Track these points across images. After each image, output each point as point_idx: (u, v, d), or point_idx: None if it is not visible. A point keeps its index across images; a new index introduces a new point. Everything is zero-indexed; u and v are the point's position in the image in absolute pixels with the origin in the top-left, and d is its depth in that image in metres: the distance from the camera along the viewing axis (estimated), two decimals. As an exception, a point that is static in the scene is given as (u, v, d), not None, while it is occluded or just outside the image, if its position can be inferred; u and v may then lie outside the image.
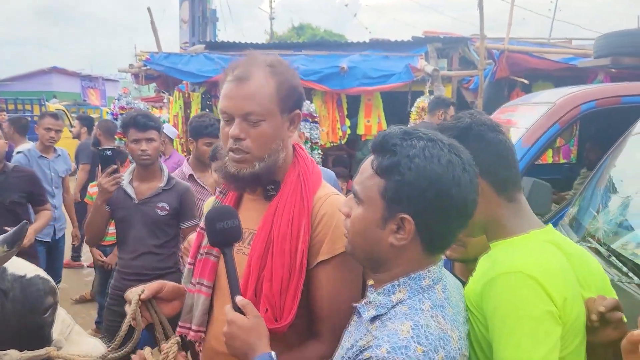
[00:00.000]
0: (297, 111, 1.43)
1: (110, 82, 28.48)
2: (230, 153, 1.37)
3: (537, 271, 1.12)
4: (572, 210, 2.80)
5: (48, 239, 4.54)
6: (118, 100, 7.20)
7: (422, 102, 6.36)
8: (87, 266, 6.39)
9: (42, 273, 1.38)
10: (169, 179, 2.99)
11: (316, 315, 1.37)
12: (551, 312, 1.10)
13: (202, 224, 1.52)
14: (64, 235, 4.88)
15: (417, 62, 6.86)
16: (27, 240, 3.15)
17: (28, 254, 4.10)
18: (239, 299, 1.22)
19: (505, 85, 6.93)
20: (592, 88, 3.72)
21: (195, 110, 7.31)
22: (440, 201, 1.01)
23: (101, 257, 4.22)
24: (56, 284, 4.88)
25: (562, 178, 4.66)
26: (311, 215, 1.38)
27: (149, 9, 7.65)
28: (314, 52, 7.74)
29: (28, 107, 15.49)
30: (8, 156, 5.40)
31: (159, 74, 7.54)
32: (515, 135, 3.56)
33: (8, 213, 3.49)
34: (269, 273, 1.34)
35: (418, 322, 0.99)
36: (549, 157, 6.66)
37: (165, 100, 10.52)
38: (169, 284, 1.49)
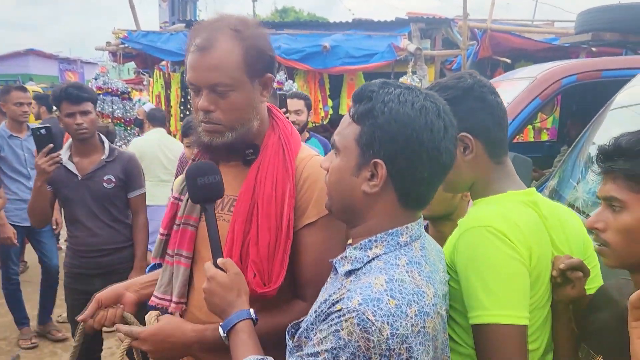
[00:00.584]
0: (269, 75, 1.36)
1: (89, 64, 27.90)
2: (202, 124, 1.33)
3: (503, 224, 1.13)
4: (552, 183, 2.80)
5: (27, 224, 4.03)
6: (95, 79, 7.05)
7: (405, 80, 6.34)
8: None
9: None
10: (111, 150, 2.88)
11: (302, 278, 1.35)
12: (515, 258, 1.12)
13: (175, 193, 1.50)
14: None
15: (400, 42, 6.83)
16: None
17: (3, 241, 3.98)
18: (220, 260, 1.20)
19: (488, 65, 6.95)
20: (573, 62, 3.72)
21: (175, 90, 7.20)
22: (411, 145, 0.99)
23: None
24: (52, 266, 4.45)
25: (543, 156, 4.68)
26: (295, 177, 1.35)
27: (126, -14, 7.45)
28: (297, 31, 7.64)
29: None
30: None
31: (138, 53, 7.38)
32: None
33: None
34: (254, 237, 1.30)
35: (393, 277, 0.97)
36: (530, 136, 6.76)
37: (145, 82, 10.35)
38: (117, 295, 1.51)
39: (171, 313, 1.44)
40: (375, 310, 0.90)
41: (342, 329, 0.91)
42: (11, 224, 4.08)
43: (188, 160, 1.61)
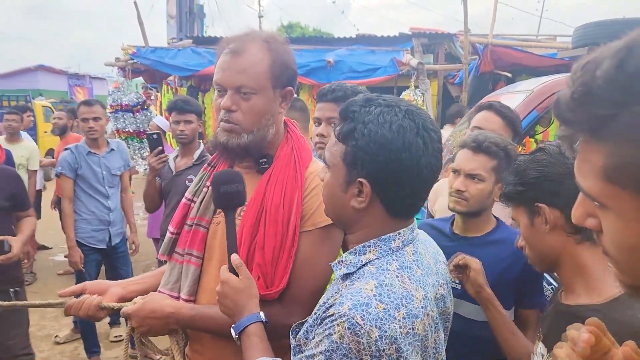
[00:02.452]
0: (290, 88, 1.45)
1: (97, 80, 28.31)
2: (222, 123, 1.41)
3: None
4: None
5: (102, 246, 3.96)
6: (110, 95, 7.22)
7: (408, 95, 6.44)
8: None
9: None
10: (200, 155, 3.40)
11: (293, 280, 1.39)
12: None
13: (188, 194, 1.57)
14: (124, 240, 4.17)
15: (403, 57, 6.93)
16: (16, 252, 2.75)
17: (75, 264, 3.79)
18: (234, 257, 1.27)
19: (489, 79, 7.04)
20: (567, 76, 3.79)
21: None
22: (391, 165, 1.04)
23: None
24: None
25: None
26: (303, 188, 1.42)
27: (135, 3, 7.65)
28: (301, 46, 7.79)
29: (14, 103, 15.36)
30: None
31: (146, 68, 7.53)
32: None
33: None
34: (260, 242, 1.37)
35: (382, 282, 1.02)
36: (532, 148, 6.79)
37: (152, 97, 10.52)
38: (103, 287, 1.60)
39: None
40: (364, 315, 0.96)
41: (335, 333, 0.97)
42: (87, 246, 3.91)
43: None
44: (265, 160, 1.47)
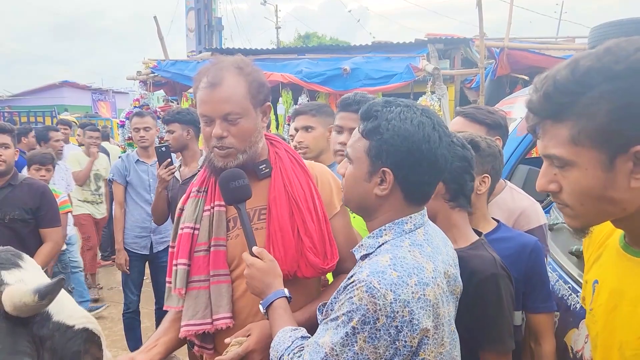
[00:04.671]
0: (268, 103, 1.59)
1: (120, 94, 28.89)
2: (215, 149, 1.52)
3: None
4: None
5: (145, 252, 4.09)
6: (135, 108, 7.42)
7: (425, 100, 6.46)
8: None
9: (94, 325, 1.26)
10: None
11: (340, 255, 1.56)
12: None
13: (188, 223, 1.60)
14: (167, 249, 4.29)
15: (419, 63, 6.96)
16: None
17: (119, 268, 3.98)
18: (255, 248, 1.42)
19: (506, 82, 7.02)
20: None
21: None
22: (413, 155, 1.19)
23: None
24: (160, 305, 4.18)
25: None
26: (313, 178, 1.61)
27: (155, 18, 7.84)
28: (318, 55, 7.88)
29: (40, 119, 15.81)
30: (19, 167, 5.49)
31: (167, 81, 7.72)
32: (512, 125, 3.64)
33: (9, 231, 3.02)
34: (302, 228, 1.52)
35: (396, 255, 1.16)
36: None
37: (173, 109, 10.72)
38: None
39: (217, 330, 1.52)
40: (380, 280, 1.10)
41: (355, 296, 1.11)
42: (131, 252, 4.06)
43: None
44: (264, 165, 1.59)
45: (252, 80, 1.53)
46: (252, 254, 1.42)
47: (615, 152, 0.89)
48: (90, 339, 1.22)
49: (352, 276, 1.18)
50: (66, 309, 1.18)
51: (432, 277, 1.16)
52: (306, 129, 2.69)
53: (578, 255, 1.97)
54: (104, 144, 7.68)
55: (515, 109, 4.10)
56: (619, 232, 1.10)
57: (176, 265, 1.58)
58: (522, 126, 3.45)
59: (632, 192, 0.91)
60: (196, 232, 1.59)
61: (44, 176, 4.00)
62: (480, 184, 1.72)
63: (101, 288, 6.04)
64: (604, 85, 0.88)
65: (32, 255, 2.84)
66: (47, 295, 1.01)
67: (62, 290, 1.19)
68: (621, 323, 1.04)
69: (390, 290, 1.09)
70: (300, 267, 1.52)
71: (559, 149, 0.94)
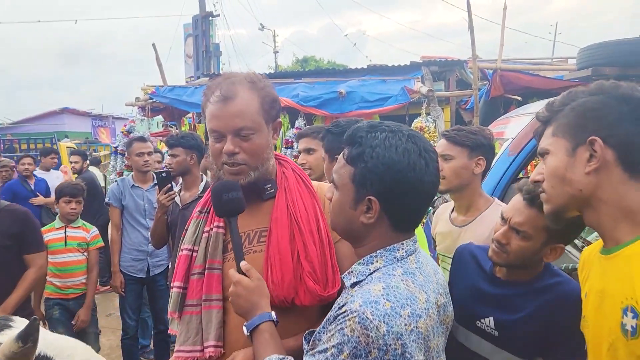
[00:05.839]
0: (279, 119, 1.56)
1: (120, 120, 29.08)
2: (226, 166, 1.46)
3: None
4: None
5: (141, 275, 4.09)
6: (129, 132, 7.48)
7: (420, 122, 6.53)
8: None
9: (84, 355, 1.24)
10: (205, 187, 3.43)
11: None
12: None
13: (187, 245, 1.57)
14: (164, 272, 4.21)
15: (414, 85, 7.05)
16: (10, 310, 2.76)
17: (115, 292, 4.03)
18: (243, 263, 1.34)
19: (501, 103, 7.08)
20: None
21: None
22: (398, 184, 1.15)
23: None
24: (158, 329, 4.28)
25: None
26: (320, 200, 1.53)
27: (153, 45, 7.98)
28: (314, 79, 7.98)
29: (40, 145, 15.87)
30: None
31: (165, 106, 7.81)
32: (503, 146, 3.68)
33: None
34: (303, 252, 1.44)
35: (389, 284, 1.12)
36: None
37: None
38: None
39: (209, 358, 1.45)
40: (373, 311, 1.06)
41: (346, 327, 1.07)
42: (128, 275, 4.07)
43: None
44: (270, 185, 1.54)
45: (265, 95, 1.48)
46: (240, 271, 1.34)
47: (577, 142, 1.18)
48: None
49: (342, 305, 1.12)
50: (66, 350, 1.19)
51: (425, 309, 1.13)
52: (308, 151, 2.78)
53: (569, 273, 1.99)
54: (92, 168, 7.80)
55: (509, 129, 4.15)
56: (601, 245, 1.26)
57: (172, 288, 1.55)
58: (513, 146, 3.49)
59: (586, 177, 1.16)
60: (195, 254, 1.54)
61: (75, 209, 3.83)
62: (550, 251, 1.59)
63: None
64: (579, 100, 1.23)
65: (17, 280, 2.96)
66: (28, 337, 1.02)
67: (56, 334, 1.23)
68: (604, 315, 1.17)
69: (384, 322, 1.05)
70: (299, 294, 1.42)
71: (544, 143, 1.26)
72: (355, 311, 1.06)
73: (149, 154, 4.18)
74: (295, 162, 2.49)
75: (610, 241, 1.19)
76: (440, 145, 2.25)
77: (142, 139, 4.34)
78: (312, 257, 1.43)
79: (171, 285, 1.57)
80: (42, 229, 3.65)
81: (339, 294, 1.41)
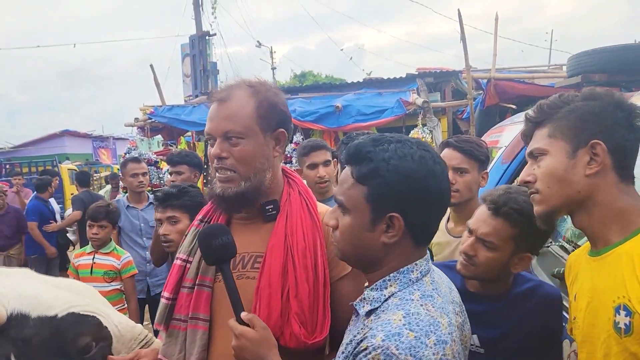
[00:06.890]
0: (282, 130, 1.42)
1: (120, 140, 29.19)
2: (217, 174, 1.38)
3: None
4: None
5: (142, 296, 4.00)
6: (127, 154, 7.54)
7: (416, 133, 6.59)
8: None
9: (79, 309, 1.19)
10: None
11: (341, 328, 1.27)
12: None
13: (182, 255, 1.48)
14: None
15: (409, 97, 7.13)
16: None
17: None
18: (244, 314, 1.23)
19: (496, 112, 7.16)
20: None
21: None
22: (420, 194, 1.07)
23: None
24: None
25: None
26: (323, 231, 1.39)
27: (151, 66, 8.09)
28: (311, 94, 8.06)
29: (41, 168, 15.97)
30: None
31: (164, 126, 7.88)
32: (497, 154, 3.72)
33: None
34: (293, 289, 1.31)
35: (409, 311, 1.03)
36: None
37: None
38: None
39: None
40: (397, 344, 0.97)
41: None
42: None
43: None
44: (272, 206, 1.42)
45: (263, 100, 1.38)
46: (240, 322, 1.22)
47: (578, 144, 1.20)
48: (79, 321, 1.17)
49: (361, 340, 1.03)
50: (44, 302, 1.14)
51: (449, 333, 1.04)
52: (325, 163, 2.77)
53: (560, 278, 2.02)
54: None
55: (503, 137, 4.19)
56: (588, 249, 1.30)
57: (162, 297, 1.47)
58: (507, 154, 3.53)
59: (586, 179, 1.19)
60: (188, 265, 1.45)
61: (97, 234, 3.44)
62: (518, 260, 1.58)
63: None
64: (575, 104, 1.25)
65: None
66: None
67: (39, 285, 1.18)
68: (596, 315, 1.20)
69: (410, 355, 0.96)
70: (284, 335, 1.30)
71: (539, 143, 1.26)
72: (379, 347, 0.97)
73: (144, 174, 4.19)
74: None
75: (600, 242, 1.22)
76: (454, 158, 2.16)
77: (136, 160, 4.35)
78: (302, 297, 1.31)
79: (161, 294, 1.49)
80: (75, 252, 3.60)
81: (324, 342, 1.33)
